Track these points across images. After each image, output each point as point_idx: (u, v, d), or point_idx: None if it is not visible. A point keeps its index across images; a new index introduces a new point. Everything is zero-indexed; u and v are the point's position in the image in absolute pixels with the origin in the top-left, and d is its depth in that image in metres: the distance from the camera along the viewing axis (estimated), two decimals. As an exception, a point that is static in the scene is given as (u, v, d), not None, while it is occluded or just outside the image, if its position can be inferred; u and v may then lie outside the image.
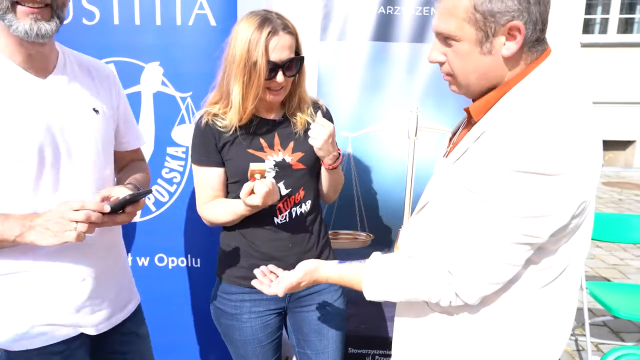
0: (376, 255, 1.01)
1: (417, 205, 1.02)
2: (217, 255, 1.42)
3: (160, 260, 1.84)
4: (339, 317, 1.43)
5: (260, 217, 1.28)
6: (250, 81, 1.19)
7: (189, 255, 1.84)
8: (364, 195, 1.91)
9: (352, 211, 1.92)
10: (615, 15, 7.39)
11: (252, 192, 1.15)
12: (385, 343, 1.99)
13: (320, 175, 1.40)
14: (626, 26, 7.63)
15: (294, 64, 1.23)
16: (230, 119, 1.25)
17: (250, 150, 1.28)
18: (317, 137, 1.25)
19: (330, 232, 1.92)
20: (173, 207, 1.80)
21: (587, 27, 7.52)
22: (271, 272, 1.10)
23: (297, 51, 1.25)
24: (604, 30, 7.53)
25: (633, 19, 7.54)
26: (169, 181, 1.79)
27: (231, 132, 1.26)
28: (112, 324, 1.22)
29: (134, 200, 1.06)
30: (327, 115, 1.42)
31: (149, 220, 1.80)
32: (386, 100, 1.85)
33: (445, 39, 0.86)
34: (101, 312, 1.19)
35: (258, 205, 1.15)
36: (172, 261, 1.87)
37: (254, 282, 1.08)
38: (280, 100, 1.30)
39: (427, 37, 1.81)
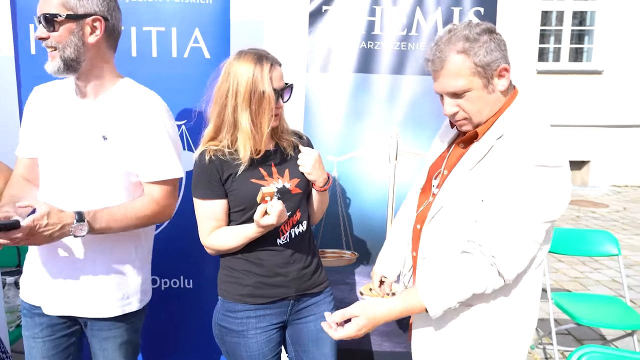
0: (422, 275, 1.15)
1: (429, 213, 1.16)
2: (218, 276, 1.49)
3: (153, 282, 1.89)
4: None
5: (265, 239, 1.38)
6: (261, 108, 1.32)
7: (181, 277, 1.90)
8: (348, 215, 2.04)
9: (337, 231, 2.04)
10: (566, 45, 7.96)
11: (265, 213, 1.26)
12: (369, 357, 2.09)
13: (309, 197, 1.52)
14: (577, 55, 8.22)
15: (289, 91, 1.40)
16: (244, 149, 1.35)
17: (253, 180, 1.38)
18: (306, 164, 1.41)
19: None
20: (165, 230, 1.86)
21: (542, 55, 8.05)
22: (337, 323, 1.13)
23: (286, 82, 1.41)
24: (557, 58, 8.09)
25: (582, 48, 8.13)
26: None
27: (241, 164, 1.36)
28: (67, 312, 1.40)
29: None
30: (309, 144, 1.57)
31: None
32: (368, 127, 2.01)
33: (456, 94, 1.08)
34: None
35: (273, 224, 1.27)
36: (165, 282, 1.93)
37: (323, 325, 1.13)
38: (277, 123, 1.41)
39: (405, 69, 1.99)
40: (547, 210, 1.02)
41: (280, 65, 1.38)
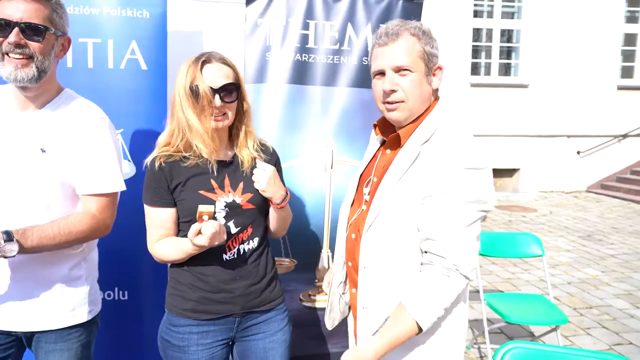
0: (402, 297, 1.11)
1: (367, 221, 1.17)
2: (166, 288, 1.44)
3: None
4: (284, 345, 1.47)
5: (210, 254, 1.32)
6: (201, 106, 1.27)
7: (115, 288, 1.84)
8: (287, 224, 2.05)
9: (276, 239, 2.05)
10: (496, 60, 8.50)
11: (199, 232, 1.21)
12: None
13: (268, 212, 1.46)
14: (506, 69, 8.79)
15: (231, 90, 1.30)
16: (203, 147, 1.30)
17: (201, 192, 1.33)
18: (260, 181, 1.36)
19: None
20: (101, 241, 1.78)
21: (475, 69, 8.54)
22: None
23: (237, 81, 1.34)
24: (488, 72, 8.61)
25: (510, 64, 8.71)
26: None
27: (195, 166, 1.33)
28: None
29: None
30: (274, 155, 1.50)
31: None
32: (304, 137, 2.04)
33: (400, 69, 1.12)
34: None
35: (204, 245, 1.22)
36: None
37: None
38: (222, 126, 1.33)
39: (338, 81, 2.05)
40: (482, 208, 1.08)
41: (226, 63, 1.32)
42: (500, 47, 8.54)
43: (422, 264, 1.11)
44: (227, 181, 1.37)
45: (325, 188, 2.05)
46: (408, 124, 1.18)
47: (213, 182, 1.35)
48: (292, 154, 2.04)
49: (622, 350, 3.02)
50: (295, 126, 2.04)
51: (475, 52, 8.53)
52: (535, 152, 8.57)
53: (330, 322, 1.42)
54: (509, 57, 8.76)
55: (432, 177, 1.07)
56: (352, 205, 1.29)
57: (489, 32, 8.54)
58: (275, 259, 2.07)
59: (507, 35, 8.67)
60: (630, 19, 8.74)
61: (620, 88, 8.63)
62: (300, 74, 2.02)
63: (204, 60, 1.29)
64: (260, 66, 2.01)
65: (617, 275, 4.44)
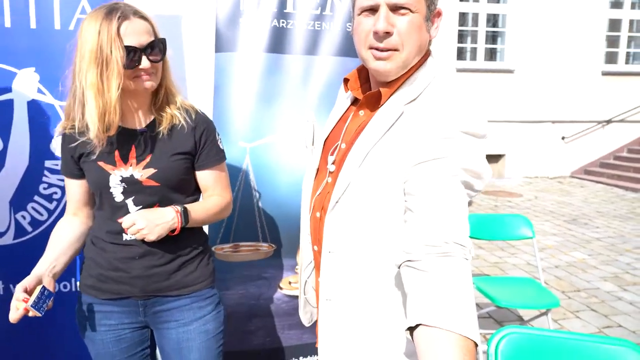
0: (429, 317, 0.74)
1: (332, 197, 0.95)
2: None
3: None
4: (204, 337, 1.29)
5: (112, 229, 1.23)
6: (108, 72, 1.07)
7: (72, 279, 1.67)
8: (264, 205, 1.90)
9: (252, 222, 1.90)
10: (482, 45, 8.40)
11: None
12: (292, 352, 1.97)
13: (187, 189, 1.29)
14: (491, 54, 8.71)
15: (157, 47, 1.14)
16: (92, 124, 1.11)
17: (100, 164, 1.19)
18: (138, 235, 1.15)
19: (230, 244, 1.88)
20: (52, 227, 1.62)
21: (461, 54, 8.43)
22: None
23: (156, 36, 1.16)
24: (474, 57, 8.51)
25: (496, 49, 8.63)
26: (48, 198, 1.62)
27: (93, 144, 1.16)
28: None
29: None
30: (199, 123, 1.27)
31: (25, 242, 1.60)
32: (282, 111, 1.89)
33: (399, 8, 0.87)
34: None
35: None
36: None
37: None
38: (152, 86, 1.17)
39: (319, 50, 1.89)
40: (476, 185, 0.87)
41: (143, 17, 1.13)
42: (486, 32, 8.44)
43: (441, 254, 0.78)
44: (133, 152, 1.21)
45: (305, 167, 1.89)
46: (391, 83, 0.94)
47: (117, 153, 1.21)
48: (269, 129, 1.88)
49: (612, 333, 2.96)
50: (271, 99, 1.88)
51: (461, 36, 8.42)
52: (520, 138, 8.54)
53: (307, 316, 1.21)
54: (494, 42, 8.67)
55: (416, 143, 0.85)
56: (316, 177, 1.06)
57: (475, 16, 8.42)
58: (252, 244, 1.94)
59: (492, 20, 8.57)
60: (615, 4, 8.71)
61: (604, 74, 8.62)
62: (278, 42, 1.86)
63: (119, 16, 1.09)
64: (232, 33, 1.84)
65: (604, 258, 4.40)
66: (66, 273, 1.65)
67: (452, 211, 0.79)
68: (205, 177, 1.30)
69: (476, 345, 0.70)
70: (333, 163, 1.00)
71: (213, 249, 1.87)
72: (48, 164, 1.59)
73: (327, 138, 1.08)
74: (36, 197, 1.59)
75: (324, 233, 0.98)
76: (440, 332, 0.69)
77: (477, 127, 0.86)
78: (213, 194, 1.32)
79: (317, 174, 1.06)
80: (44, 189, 1.60)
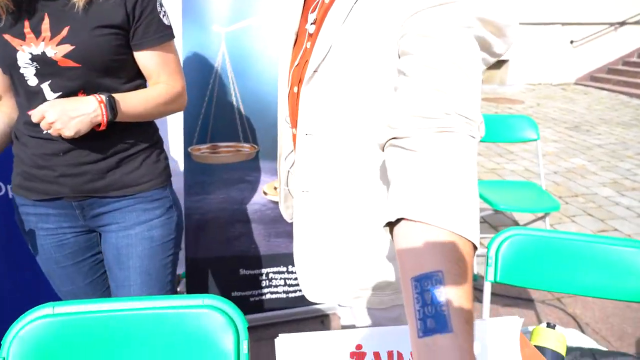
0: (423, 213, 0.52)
1: (310, 64, 0.75)
2: None
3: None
4: (148, 243, 1.14)
5: (27, 124, 1.03)
6: None
7: (8, 186, 1.52)
8: (244, 101, 1.69)
9: (231, 120, 1.70)
10: None
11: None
12: (279, 260, 1.89)
13: (122, 75, 1.05)
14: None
15: None
16: None
17: (7, 37, 0.96)
18: (54, 128, 0.93)
19: (208, 145, 1.70)
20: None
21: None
22: None
23: None
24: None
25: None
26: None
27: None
28: None
29: None
30: None
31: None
32: (261, -13, 1.60)
33: None
34: None
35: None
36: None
37: None
38: None
39: None
40: (497, 46, 0.66)
41: None
42: None
43: (439, 129, 0.57)
44: (46, 24, 0.96)
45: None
46: None
47: (27, 24, 0.96)
48: (248, 11, 1.61)
49: (607, 237, 2.93)
50: (249, -28, 1.58)
51: None
52: (526, 42, 8.05)
53: (288, 212, 1.05)
54: None
55: None
56: (295, 44, 0.85)
57: None
58: (232, 144, 1.76)
59: None
60: None
61: (622, -32, 7.93)
62: None
63: None
64: None
65: (604, 164, 4.30)
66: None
67: (458, 74, 0.58)
68: (145, 60, 1.04)
69: (475, 248, 0.51)
70: (313, 23, 0.77)
71: (189, 150, 1.69)
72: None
73: None
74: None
75: (299, 110, 0.79)
76: (428, 230, 0.49)
77: None
78: (158, 82, 1.08)
79: (296, 39, 0.84)
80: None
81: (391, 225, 0.54)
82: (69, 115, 0.93)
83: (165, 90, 1.07)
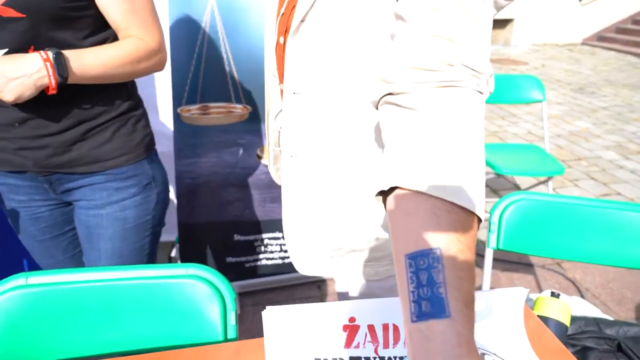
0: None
1: (296, 12, 0.66)
2: None
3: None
4: (124, 225, 1.03)
5: None
6: None
7: None
8: (235, 57, 1.59)
9: (222, 79, 1.61)
10: None
11: None
12: (274, 226, 1.84)
13: (81, 27, 0.89)
14: None
15: None
16: None
17: None
18: None
19: (198, 105, 1.61)
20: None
21: None
22: None
23: None
24: None
25: None
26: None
27: None
28: None
29: None
30: None
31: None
32: None
33: None
34: None
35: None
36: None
37: None
38: None
39: None
40: None
41: None
42: None
43: (442, 83, 0.49)
44: None
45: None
46: None
47: None
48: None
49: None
50: None
51: None
52: (533, 0, 7.76)
53: (278, 174, 0.96)
54: None
55: None
56: None
57: None
58: (223, 105, 1.67)
59: None
60: None
61: None
62: None
63: None
64: None
65: (608, 127, 4.20)
66: None
67: (465, 18, 0.49)
68: (108, 7, 0.88)
69: (479, 221, 0.44)
70: None
71: (179, 111, 1.61)
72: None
73: None
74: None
75: (285, 65, 0.71)
76: (426, 201, 0.42)
77: None
78: (127, 35, 0.91)
79: None
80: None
81: (384, 194, 0.47)
82: (7, 76, 0.79)
83: (135, 45, 0.90)
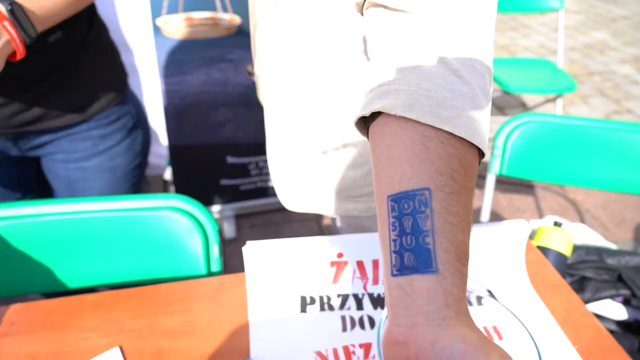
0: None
1: None
2: None
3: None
4: (114, 175, 0.93)
5: None
6: None
7: None
8: (218, -40, 1.42)
9: (206, -15, 1.45)
10: None
11: None
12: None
13: None
14: None
15: None
16: None
17: None
18: None
19: (179, 16, 1.47)
20: None
21: None
22: None
23: None
24: None
25: None
26: None
27: None
28: None
29: None
30: None
31: None
32: None
33: None
34: None
35: None
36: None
37: None
38: None
39: None
40: None
41: None
42: None
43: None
44: None
45: None
46: None
47: None
48: None
49: (617, 118, 2.77)
50: None
51: None
52: None
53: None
54: None
55: None
56: None
57: None
58: (209, 15, 1.52)
59: None
60: None
61: None
62: None
63: None
64: None
65: (627, 39, 3.95)
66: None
67: None
68: None
69: (482, 156, 0.37)
70: None
71: (158, 23, 1.46)
72: None
73: None
74: None
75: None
76: (415, 130, 0.34)
77: None
78: None
79: None
80: None
81: (367, 121, 0.39)
82: None
83: None
